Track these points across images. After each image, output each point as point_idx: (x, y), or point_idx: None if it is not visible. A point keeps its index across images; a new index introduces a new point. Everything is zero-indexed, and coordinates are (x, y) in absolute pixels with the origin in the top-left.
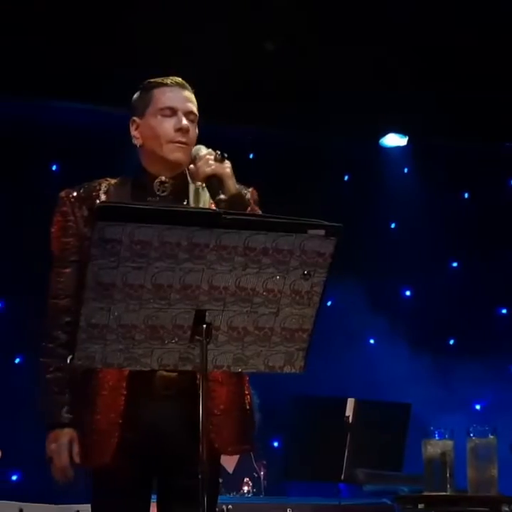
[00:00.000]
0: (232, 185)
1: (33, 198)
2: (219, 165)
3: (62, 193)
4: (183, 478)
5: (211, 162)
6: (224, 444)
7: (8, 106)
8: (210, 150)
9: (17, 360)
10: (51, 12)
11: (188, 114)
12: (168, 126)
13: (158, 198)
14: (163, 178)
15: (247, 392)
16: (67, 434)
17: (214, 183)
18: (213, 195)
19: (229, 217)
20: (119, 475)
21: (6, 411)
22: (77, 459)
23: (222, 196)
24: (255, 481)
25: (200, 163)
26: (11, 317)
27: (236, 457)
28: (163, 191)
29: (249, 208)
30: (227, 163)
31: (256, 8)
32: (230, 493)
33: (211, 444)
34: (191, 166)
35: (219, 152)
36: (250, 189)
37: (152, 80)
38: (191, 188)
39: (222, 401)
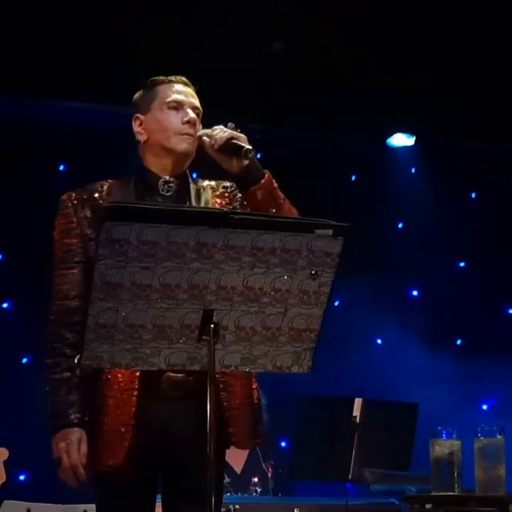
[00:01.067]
0: None
1: (40, 198)
2: (234, 131)
3: (64, 196)
4: (190, 479)
5: (226, 129)
6: (240, 437)
7: (15, 106)
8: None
9: (24, 360)
10: (60, 12)
11: (193, 108)
12: (175, 118)
13: (162, 198)
14: (167, 177)
15: (254, 387)
16: (76, 432)
17: (234, 144)
18: (236, 153)
19: (237, 216)
20: (127, 476)
21: (13, 411)
22: (83, 460)
23: (249, 147)
24: (263, 481)
25: (215, 131)
26: (18, 317)
27: (244, 457)
28: (167, 191)
29: (266, 175)
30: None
31: (262, 7)
32: (237, 493)
33: (225, 440)
34: (204, 137)
35: (232, 124)
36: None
37: (155, 78)
38: (192, 188)
39: (238, 395)
